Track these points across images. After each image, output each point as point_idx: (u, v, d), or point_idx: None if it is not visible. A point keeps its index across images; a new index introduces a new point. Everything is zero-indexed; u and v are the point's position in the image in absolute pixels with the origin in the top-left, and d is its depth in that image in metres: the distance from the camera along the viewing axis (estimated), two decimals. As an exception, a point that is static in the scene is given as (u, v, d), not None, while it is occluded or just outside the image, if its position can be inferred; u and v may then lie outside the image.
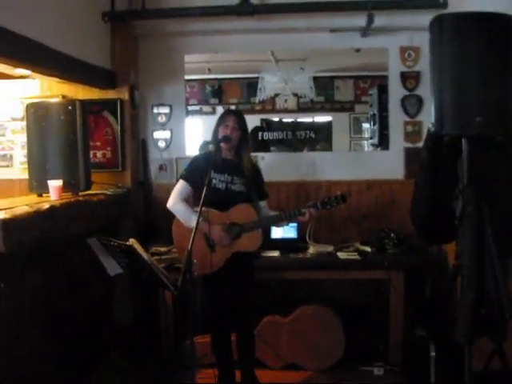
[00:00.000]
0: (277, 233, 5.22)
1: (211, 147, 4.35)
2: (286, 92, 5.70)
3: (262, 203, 4.40)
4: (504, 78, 2.94)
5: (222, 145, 4.24)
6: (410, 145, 5.46)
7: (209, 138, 4.41)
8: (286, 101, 5.70)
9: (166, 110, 5.66)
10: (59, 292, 4.13)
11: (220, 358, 4.51)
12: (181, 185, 4.34)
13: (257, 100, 5.74)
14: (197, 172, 4.19)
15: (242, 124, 4.29)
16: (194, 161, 4.37)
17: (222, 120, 4.31)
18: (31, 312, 3.73)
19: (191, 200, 4.39)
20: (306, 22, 5.35)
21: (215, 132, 4.30)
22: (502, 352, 3.23)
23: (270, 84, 5.71)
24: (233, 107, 5.69)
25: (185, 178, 4.34)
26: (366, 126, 5.78)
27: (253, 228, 4.20)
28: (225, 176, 4.28)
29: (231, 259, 4.22)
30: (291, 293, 5.38)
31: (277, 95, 5.70)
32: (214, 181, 4.24)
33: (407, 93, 5.46)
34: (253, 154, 4.75)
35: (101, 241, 3.53)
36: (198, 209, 3.65)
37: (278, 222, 4.31)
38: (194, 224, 3.97)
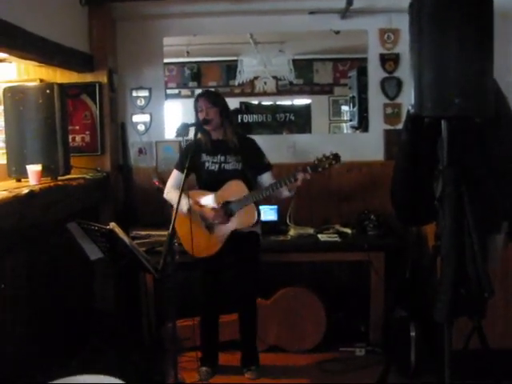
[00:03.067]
0: (257, 216, 5.23)
1: (195, 131, 4.34)
2: (265, 75, 5.67)
3: (266, 175, 4.35)
4: (483, 60, 2.95)
5: (207, 128, 4.26)
6: (389, 127, 5.48)
7: (188, 120, 4.41)
8: (265, 83, 5.68)
9: (145, 93, 5.63)
10: (40, 277, 4.12)
11: (206, 339, 4.56)
12: (174, 174, 4.47)
13: (236, 83, 5.71)
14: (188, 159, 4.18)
15: (215, 101, 4.30)
16: (185, 148, 4.43)
17: (196, 106, 4.35)
18: (12, 297, 3.71)
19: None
20: (285, 4, 5.34)
21: (197, 119, 4.31)
22: (481, 331, 3.27)
23: (249, 67, 5.69)
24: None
25: (177, 167, 4.45)
26: (345, 108, 5.77)
27: (245, 203, 4.19)
28: (217, 157, 4.31)
29: (231, 238, 4.26)
30: (272, 275, 5.39)
31: (256, 78, 5.67)
32: (206, 164, 4.31)
33: (387, 75, 5.47)
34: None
35: (81, 225, 3.51)
36: (191, 193, 3.71)
37: (271, 192, 4.16)
38: (185, 209, 4.05)
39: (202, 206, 4.22)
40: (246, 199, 4.19)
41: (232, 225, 4.25)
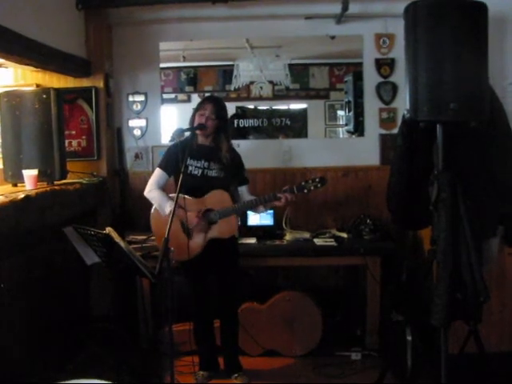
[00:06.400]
0: (253, 220, 5.23)
1: (186, 134, 4.35)
2: (261, 79, 5.68)
3: (242, 188, 4.39)
4: (477, 65, 2.97)
5: (198, 132, 4.25)
6: (385, 131, 5.49)
7: (184, 125, 4.41)
8: (261, 88, 5.69)
9: (141, 98, 5.64)
10: (36, 281, 4.11)
11: (202, 344, 4.55)
12: (157, 173, 4.36)
13: (232, 88, 5.72)
14: (173, 160, 4.20)
15: (219, 112, 4.26)
16: (171, 149, 4.37)
17: (199, 107, 4.31)
18: (8, 302, 3.71)
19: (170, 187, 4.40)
20: (281, 9, 5.36)
21: (192, 118, 4.30)
22: (477, 335, 3.28)
23: (246, 71, 5.70)
24: (208, 95, 5.66)
25: (161, 166, 4.37)
26: (341, 113, 5.79)
27: (228, 214, 4.19)
28: (201, 162, 4.28)
29: (209, 245, 4.23)
30: (268, 279, 5.41)
31: (252, 83, 5.68)
32: (189, 167, 4.25)
33: (382, 80, 5.49)
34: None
35: (77, 230, 3.52)
36: (174, 196, 3.67)
37: (254, 207, 4.29)
38: (167, 211, 4.06)
39: (185, 211, 4.18)
40: (230, 211, 4.19)
41: (212, 233, 4.23)
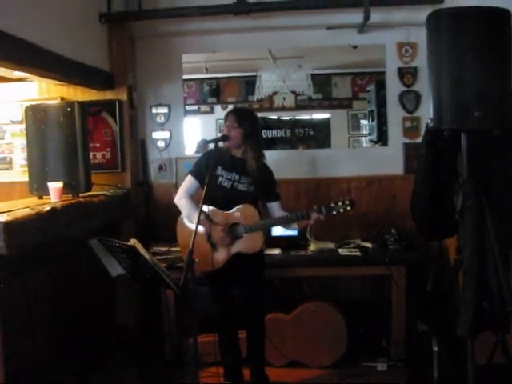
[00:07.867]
0: (277, 230, 5.22)
1: (212, 146, 4.35)
2: (283, 90, 5.70)
3: (274, 204, 4.34)
4: (501, 72, 2.95)
5: (227, 144, 4.24)
6: (408, 140, 5.46)
7: (207, 136, 4.42)
8: (284, 99, 5.71)
9: (164, 110, 5.67)
10: (62, 293, 4.14)
11: (227, 356, 4.53)
12: (188, 180, 4.35)
13: (255, 98, 5.75)
14: (205, 168, 4.13)
15: (241, 121, 4.20)
16: (203, 156, 4.37)
17: (224, 121, 4.32)
18: (34, 313, 3.73)
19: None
20: (303, 19, 5.36)
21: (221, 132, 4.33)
22: (504, 345, 3.24)
23: (268, 82, 5.72)
24: (231, 106, 5.68)
25: (192, 173, 4.34)
26: (364, 122, 5.78)
27: (255, 229, 4.15)
28: (232, 174, 4.25)
29: (234, 259, 4.21)
30: (293, 290, 5.39)
31: (275, 93, 5.70)
32: (220, 178, 4.24)
33: (405, 88, 5.46)
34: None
35: (102, 242, 3.53)
36: (200, 206, 3.67)
37: (284, 224, 4.23)
38: (194, 222, 4.01)
39: (212, 223, 4.18)
40: (258, 226, 4.15)
41: (236, 247, 4.19)
